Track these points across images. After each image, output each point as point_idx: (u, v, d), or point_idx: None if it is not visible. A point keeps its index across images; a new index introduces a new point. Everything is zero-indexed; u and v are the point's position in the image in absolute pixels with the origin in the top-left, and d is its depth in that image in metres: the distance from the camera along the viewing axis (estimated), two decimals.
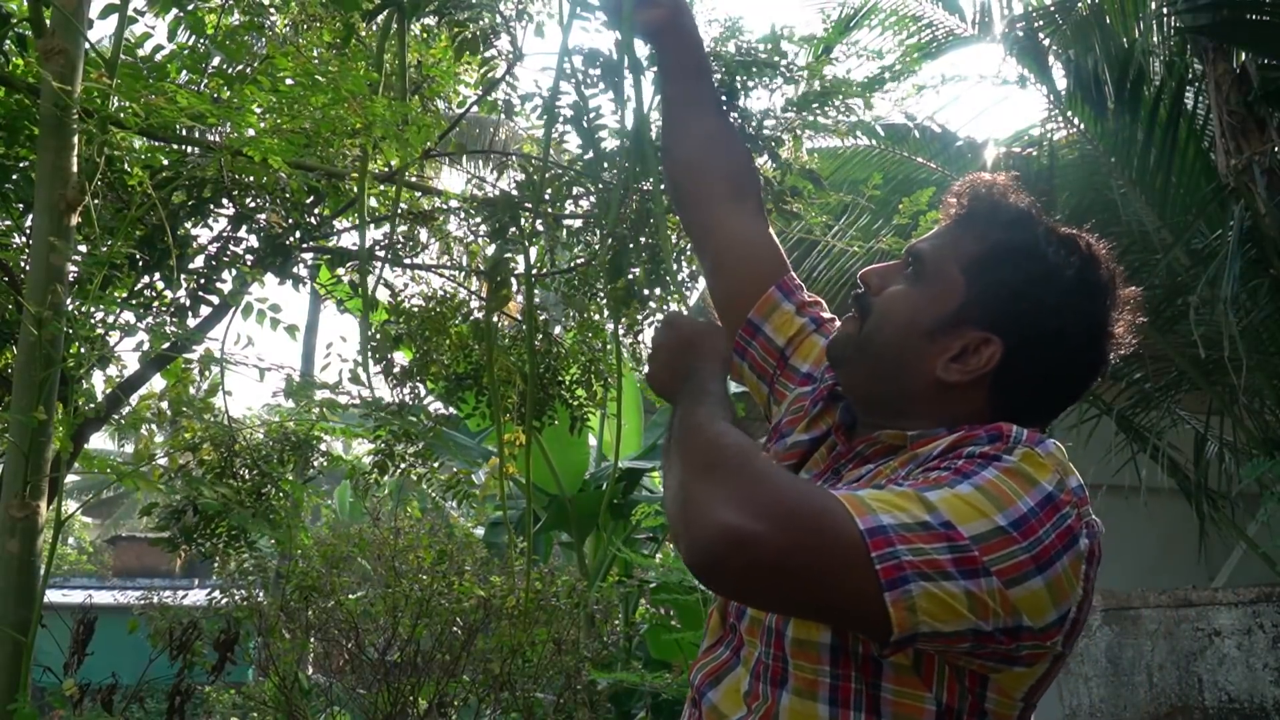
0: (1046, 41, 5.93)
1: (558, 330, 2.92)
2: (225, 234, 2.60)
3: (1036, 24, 5.92)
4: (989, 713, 0.95)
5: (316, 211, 2.81)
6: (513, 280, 2.11)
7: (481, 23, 2.32)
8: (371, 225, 2.94)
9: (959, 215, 1.12)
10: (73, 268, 2.20)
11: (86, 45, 2.18)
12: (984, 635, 0.87)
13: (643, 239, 2.06)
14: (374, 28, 2.28)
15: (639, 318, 2.47)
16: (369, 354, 2.47)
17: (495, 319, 2.63)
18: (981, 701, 0.94)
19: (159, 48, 2.43)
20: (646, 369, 1.24)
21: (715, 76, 1.73)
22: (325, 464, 3.08)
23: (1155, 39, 5.78)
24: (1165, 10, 5.59)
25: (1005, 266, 1.05)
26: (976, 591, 0.85)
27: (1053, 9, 5.87)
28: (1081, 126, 5.66)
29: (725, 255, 1.38)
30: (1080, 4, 5.67)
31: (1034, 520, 0.89)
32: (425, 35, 2.68)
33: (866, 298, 1.13)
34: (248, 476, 2.71)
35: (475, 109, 2.82)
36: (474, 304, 2.83)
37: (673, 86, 1.49)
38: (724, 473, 0.88)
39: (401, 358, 2.83)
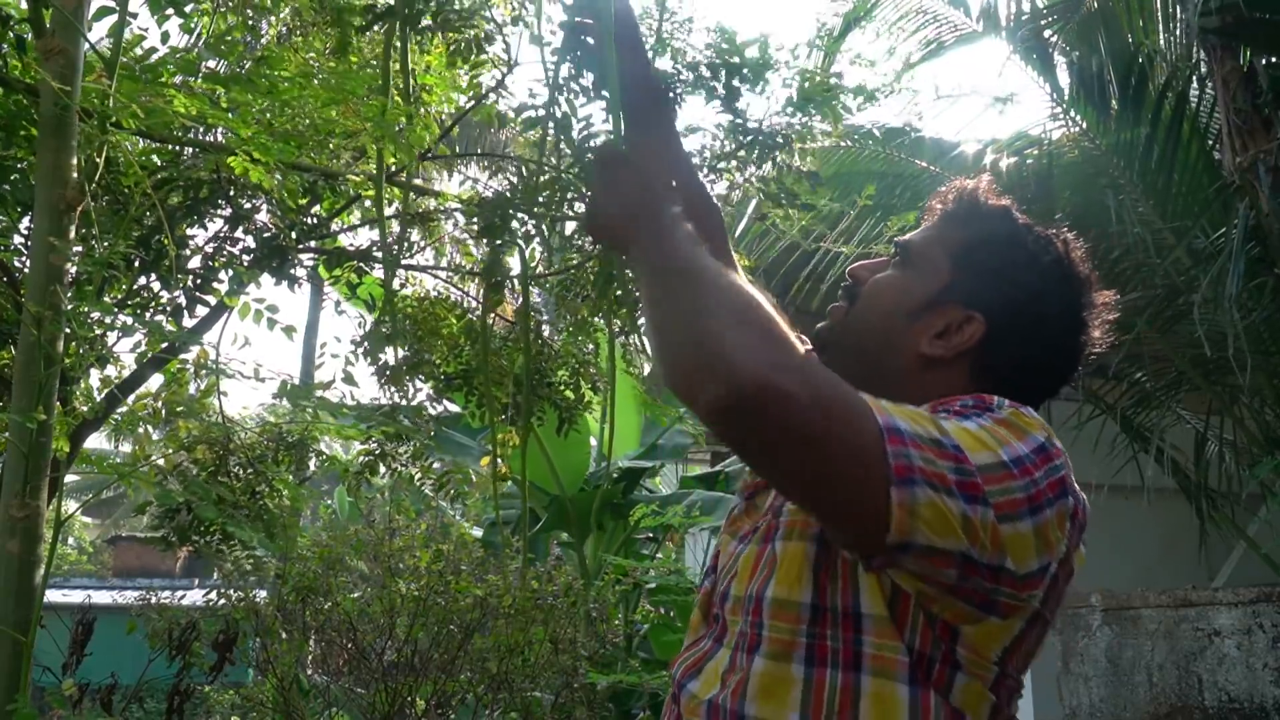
0: (1051, 36, 5.93)
1: (546, 330, 2.92)
2: (222, 234, 2.60)
3: (1042, 21, 5.92)
4: (962, 666, 0.93)
5: (313, 212, 2.81)
6: (507, 282, 2.11)
7: (474, 30, 2.32)
8: (368, 226, 2.94)
9: (943, 212, 1.16)
10: (72, 267, 2.20)
11: (86, 46, 2.18)
12: (971, 565, 0.87)
13: None
14: (369, 37, 2.28)
15: (635, 321, 2.47)
16: (373, 350, 2.47)
17: (490, 320, 2.63)
18: (953, 654, 0.93)
19: (153, 49, 2.43)
20: (590, 211, 1.18)
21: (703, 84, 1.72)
22: (323, 465, 3.08)
23: (1161, 37, 5.78)
24: (1174, 9, 5.59)
25: (988, 251, 1.10)
26: (973, 518, 0.86)
27: (1059, 5, 5.87)
28: (1084, 125, 5.66)
29: None
30: (1087, 1, 5.67)
31: (1029, 464, 0.91)
32: (419, 41, 2.67)
33: (855, 287, 1.16)
34: (242, 476, 2.72)
35: (471, 113, 2.82)
36: (468, 304, 2.83)
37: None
38: (760, 328, 0.88)
39: (393, 357, 2.83)
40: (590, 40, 1.49)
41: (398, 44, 2.11)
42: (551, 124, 1.62)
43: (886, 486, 0.83)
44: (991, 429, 0.92)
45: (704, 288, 0.93)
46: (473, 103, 2.67)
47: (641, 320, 2.60)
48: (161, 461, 2.74)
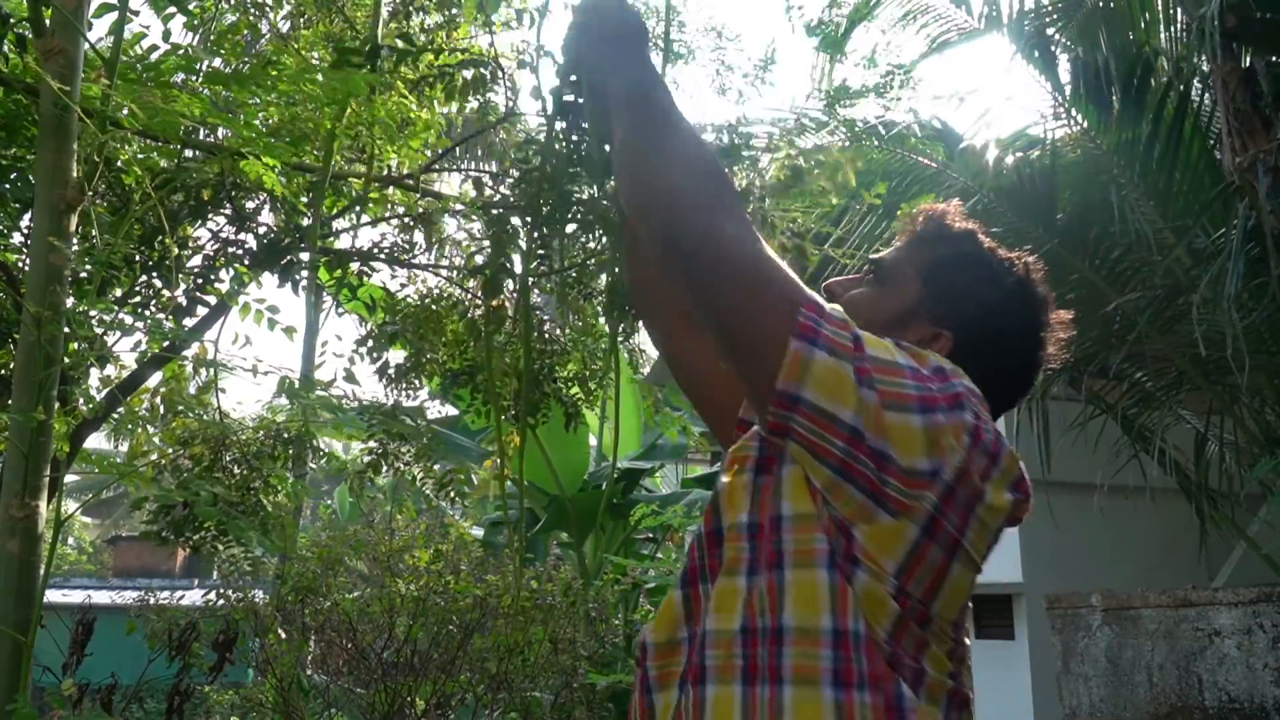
0: (1054, 34, 5.93)
1: (548, 325, 2.91)
2: (223, 235, 2.60)
3: (1045, 19, 5.92)
4: (861, 563, 0.97)
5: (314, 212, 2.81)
6: (507, 283, 2.11)
7: (473, 71, 2.33)
8: (370, 226, 2.94)
9: (913, 234, 1.24)
10: (72, 267, 2.19)
11: (86, 45, 2.18)
12: (859, 441, 0.94)
13: None
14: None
15: (637, 324, 2.46)
16: (375, 349, 2.47)
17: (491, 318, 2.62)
18: (852, 551, 0.97)
19: (154, 47, 2.43)
20: (579, 24, 1.29)
21: None
22: (323, 463, 3.07)
23: (1163, 36, 5.78)
24: (1174, 9, 5.59)
25: (956, 271, 1.18)
26: (864, 398, 0.95)
27: (1061, 3, 5.87)
28: (1085, 124, 5.66)
29: (681, 370, 1.44)
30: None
31: (926, 375, 1.00)
32: (417, 83, 2.66)
33: (831, 301, 1.22)
34: (237, 472, 2.71)
35: (474, 107, 2.82)
36: (470, 303, 2.82)
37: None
38: (722, 190, 1.05)
39: (396, 356, 2.83)
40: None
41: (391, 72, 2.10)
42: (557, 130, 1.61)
43: (787, 338, 0.96)
44: (894, 344, 1.02)
45: (670, 131, 1.10)
46: (474, 133, 2.66)
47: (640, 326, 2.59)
48: (157, 457, 2.73)
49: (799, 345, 0.95)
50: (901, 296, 1.18)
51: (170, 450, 2.77)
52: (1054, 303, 1.22)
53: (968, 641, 1.08)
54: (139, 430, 2.75)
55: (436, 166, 2.78)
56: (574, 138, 1.53)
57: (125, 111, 2.20)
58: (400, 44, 2.09)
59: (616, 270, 1.94)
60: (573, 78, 1.42)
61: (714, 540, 1.08)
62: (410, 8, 2.37)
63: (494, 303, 1.83)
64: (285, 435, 2.76)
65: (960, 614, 1.04)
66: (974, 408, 1.01)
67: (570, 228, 1.67)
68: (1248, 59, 5.01)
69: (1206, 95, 5.57)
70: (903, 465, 0.95)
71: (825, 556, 0.98)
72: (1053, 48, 5.87)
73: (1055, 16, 5.93)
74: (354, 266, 2.77)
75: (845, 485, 0.97)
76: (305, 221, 2.67)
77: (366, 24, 2.59)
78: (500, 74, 2.33)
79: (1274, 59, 5.02)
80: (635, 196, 1.10)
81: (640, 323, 1.63)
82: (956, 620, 1.04)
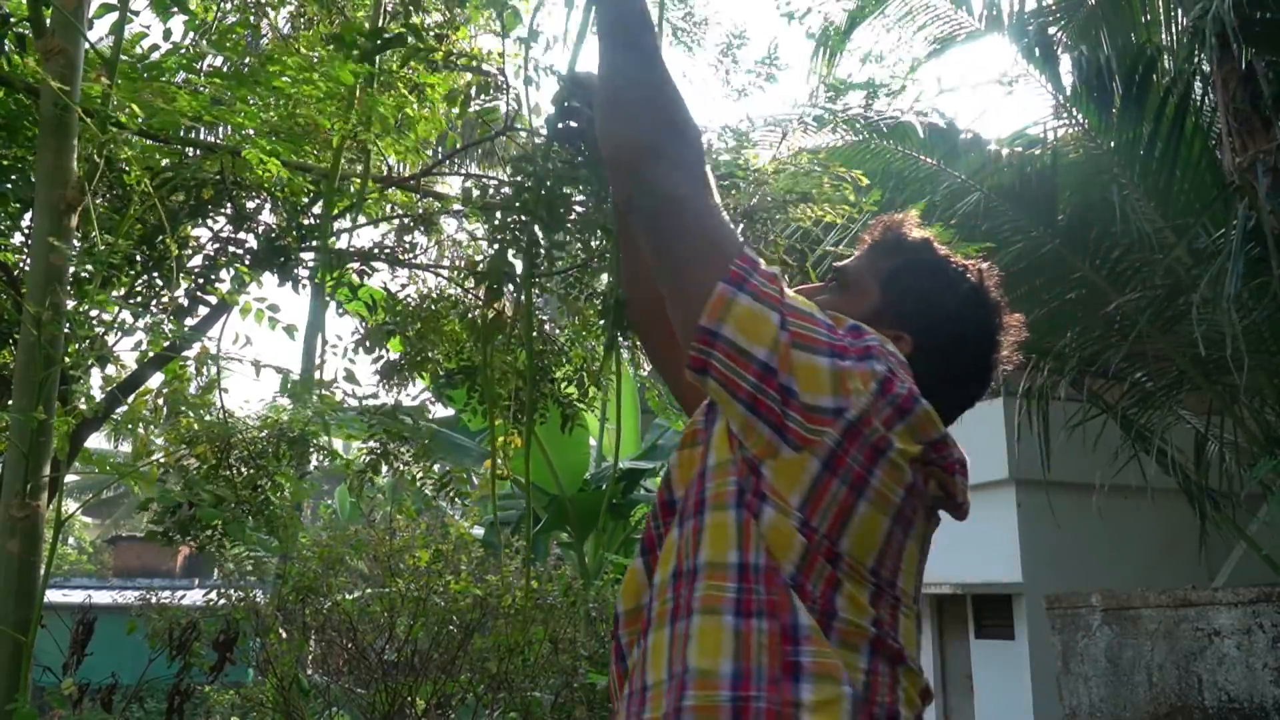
0: (1055, 33, 5.93)
1: (548, 324, 2.91)
2: (224, 234, 2.59)
3: (1046, 18, 5.92)
4: (768, 498, 1.03)
5: (314, 212, 2.81)
6: (509, 285, 2.10)
7: (468, 78, 2.33)
8: (371, 226, 2.93)
9: (873, 243, 1.30)
10: (72, 267, 2.20)
11: (86, 45, 2.18)
12: (769, 376, 1.02)
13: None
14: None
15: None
16: (373, 347, 2.47)
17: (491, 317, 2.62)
18: (760, 487, 1.04)
19: (155, 47, 2.43)
20: None
21: None
22: (324, 462, 3.07)
23: (1164, 36, 5.78)
24: (1175, 9, 5.59)
25: (914, 277, 1.25)
26: (779, 337, 1.03)
27: (1063, 2, 5.87)
28: (1085, 124, 5.66)
29: (676, 386, 1.48)
30: None
31: (841, 330, 1.08)
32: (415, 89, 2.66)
33: None
34: (244, 472, 2.71)
35: (475, 111, 2.82)
36: (470, 302, 2.82)
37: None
38: (681, 147, 1.14)
39: (395, 355, 2.83)
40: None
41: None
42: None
43: (715, 282, 1.05)
44: (820, 310, 1.09)
45: (645, 76, 1.19)
46: (476, 140, 2.66)
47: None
48: (162, 458, 2.73)
49: (725, 288, 1.05)
50: (862, 303, 1.23)
51: (175, 450, 2.77)
52: (1007, 307, 1.27)
53: (916, 608, 1.10)
54: (143, 431, 2.75)
55: (437, 171, 2.78)
56: (578, 144, 1.54)
57: (125, 111, 2.20)
58: (409, 38, 2.08)
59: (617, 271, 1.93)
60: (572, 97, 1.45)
61: (667, 510, 1.16)
62: (411, 7, 2.37)
63: (495, 306, 1.83)
64: (290, 435, 2.76)
65: (890, 567, 1.06)
66: (890, 365, 1.06)
67: (566, 232, 1.67)
68: (1247, 59, 5.01)
69: (1207, 95, 5.57)
70: (805, 401, 1.02)
71: (734, 497, 1.06)
72: (1055, 47, 5.87)
73: (1056, 16, 5.93)
74: (353, 266, 2.77)
75: (754, 420, 1.04)
76: (306, 220, 2.67)
77: (366, 23, 2.59)
78: (504, 82, 2.33)
79: (1274, 59, 5.01)
80: (606, 144, 1.20)
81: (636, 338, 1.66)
82: (886, 574, 1.06)
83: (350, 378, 2.44)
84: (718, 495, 1.08)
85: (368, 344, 2.52)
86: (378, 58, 2.17)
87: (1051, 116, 5.93)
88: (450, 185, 3.18)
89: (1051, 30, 5.92)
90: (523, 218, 1.63)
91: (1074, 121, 5.76)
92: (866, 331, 1.10)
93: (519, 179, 1.59)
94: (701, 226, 1.11)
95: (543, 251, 1.68)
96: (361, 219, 2.74)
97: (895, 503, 1.05)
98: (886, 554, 1.05)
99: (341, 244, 2.91)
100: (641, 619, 1.12)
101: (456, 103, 2.42)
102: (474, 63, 2.34)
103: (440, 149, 3.23)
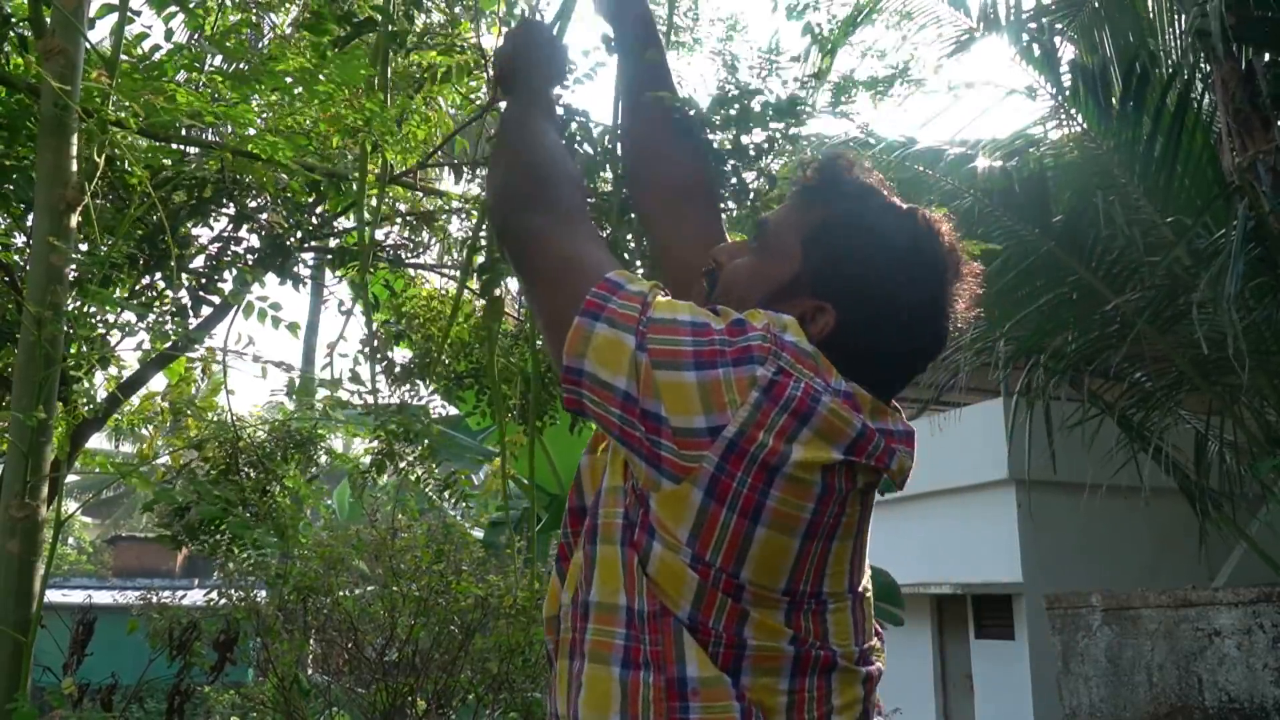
0: (1055, 32, 5.93)
1: None
2: (226, 234, 2.59)
3: (1045, 18, 5.93)
4: (656, 535, 0.94)
5: (318, 211, 2.81)
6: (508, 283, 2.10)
7: (460, 56, 2.32)
8: (373, 226, 2.93)
9: (803, 188, 1.12)
10: (73, 268, 2.19)
11: (86, 45, 2.18)
12: (630, 405, 0.92)
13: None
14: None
15: None
16: (370, 353, 2.47)
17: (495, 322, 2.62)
18: (649, 522, 0.95)
19: (156, 47, 2.43)
20: (498, 51, 1.44)
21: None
22: (328, 463, 3.07)
23: (1165, 36, 5.78)
24: (1175, 9, 5.59)
25: (839, 236, 1.07)
26: (638, 360, 0.93)
27: (1062, 2, 5.87)
28: (1085, 124, 5.66)
29: (663, 254, 1.39)
30: None
31: (713, 330, 0.95)
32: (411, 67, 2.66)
33: (715, 272, 1.15)
34: (252, 475, 2.71)
35: (477, 107, 2.82)
36: (476, 304, 2.82)
37: (635, 67, 1.49)
38: (539, 189, 1.12)
39: (402, 356, 2.83)
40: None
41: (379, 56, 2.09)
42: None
43: (573, 316, 0.97)
44: (696, 307, 0.98)
45: (515, 135, 1.21)
46: (472, 115, 2.66)
47: None
48: (168, 460, 2.73)
49: (581, 320, 0.96)
50: (782, 266, 1.08)
51: (183, 453, 2.77)
52: (961, 259, 1.09)
53: (859, 608, 1.01)
54: (148, 433, 2.75)
55: (433, 160, 2.78)
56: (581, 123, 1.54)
57: (126, 110, 2.20)
58: (379, 19, 2.07)
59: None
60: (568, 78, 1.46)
61: (575, 517, 1.09)
62: (413, 7, 2.37)
63: (494, 293, 1.83)
64: (295, 437, 2.77)
65: (809, 581, 0.95)
66: (784, 363, 0.92)
67: None
68: (1247, 59, 5.01)
69: (1207, 95, 5.57)
70: (675, 425, 0.90)
71: (620, 531, 0.98)
72: (1054, 47, 5.87)
73: (1056, 16, 5.93)
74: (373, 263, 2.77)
75: (629, 454, 0.95)
76: (308, 220, 2.67)
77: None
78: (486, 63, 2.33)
79: (1274, 59, 5.01)
80: (485, 190, 1.27)
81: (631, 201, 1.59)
82: (805, 588, 0.95)
83: (355, 378, 2.44)
84: (607, 526, 1.00)
85: (378, 351, 2.52)
86: (390, 52, 2.16)
87: (1049, 115, 5.93)
88: (449, 183, 3.19)
89: (1050, 29, 5.92)
90: None
91: (1072, 121, 5.76)
92: (750, 326, 0.95)
93: None
94: (562, 262, 1.04)
95: None
96: (367, 216, 2.75)
97: (803, 519, 0.92)
98: (801, 571, 0.94)
99: (341, 242, 2.91)
100: (557, 627, 1.08)
101: (453, 79, 2.40)
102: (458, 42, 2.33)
103: (442, 149, 3.23)
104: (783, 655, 0.94)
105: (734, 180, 1.59)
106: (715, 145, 1.56)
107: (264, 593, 4.61)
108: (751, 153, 1.56)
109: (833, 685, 0.96)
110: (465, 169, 2.82)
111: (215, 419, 2.78)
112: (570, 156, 1.24)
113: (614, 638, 0.96)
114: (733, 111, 1.52)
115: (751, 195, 1.60)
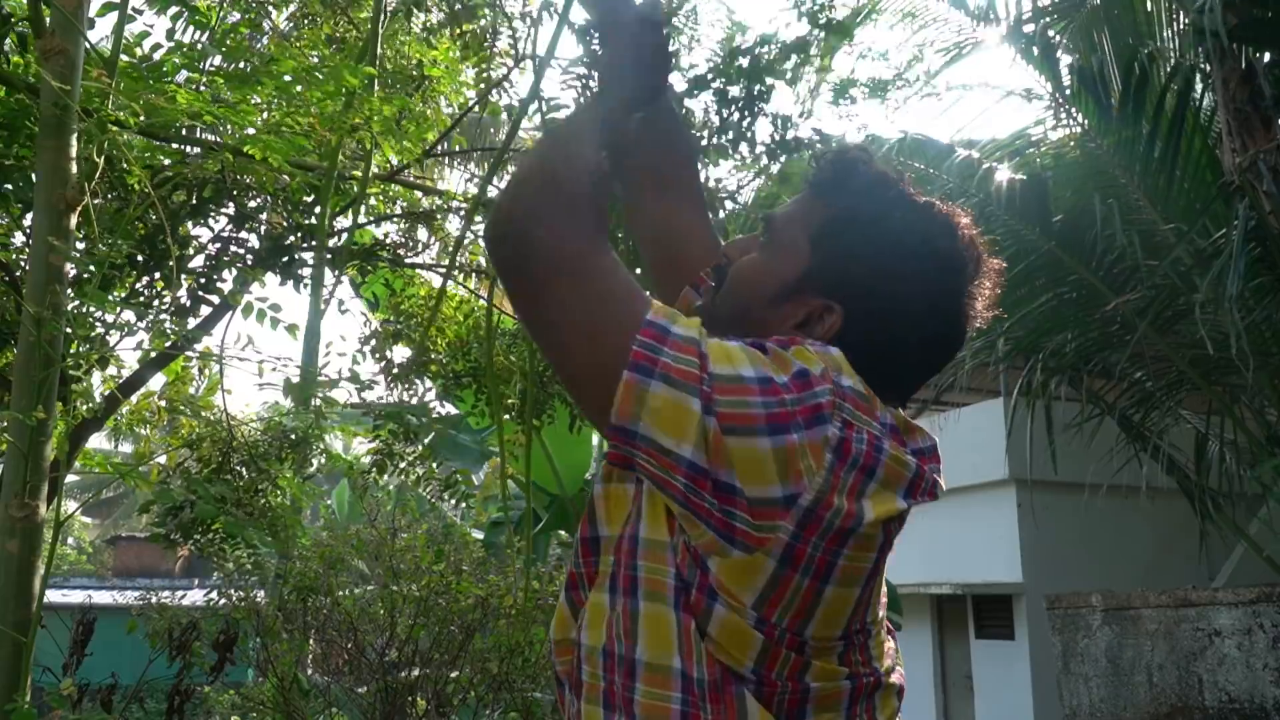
0: (1053, 34, 5.93)
1: None
2: (226, 234, 2.59)
3: (1045, 19, 5.92)
4: (718, 597, 0.89)
5: (317, 211, 2.81)
6: None
7: (483, 22, 2.32)
8: (373, 225, 2.94)
9: (814, 182, 1.08)
10: (72, 267, 2.19)
11: (86, 45, 2.17)
12: (699, 476, 0.85)
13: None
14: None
15: None
16: (369, 352, 2.47)
17: (497, 320, 2.62)
18: (708, 583, 0.89)
19: (157, 46, 2.43)
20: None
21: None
22: (325, 463, 3.07)
23: (1165, 35, 5.78)
24: (1175, 9, 5.59)
25: (848, 233, 1.02)
26: (705, 424, 0.84)
27: (1062, 2, 5.87)
28: (1085, 124, 5.66)
29: (645, 244, 1.35)
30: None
31: (781, 384, 0.87)
32: (428, 34, 2.68)
33: (723, 268, 1.11)
34: (245, 474, 2.71)
35: (476, 108, 2.82)
36: (475, 302, 2.82)
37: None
38: (572, 203, 0.94)
39: (401, 355, 2.83)
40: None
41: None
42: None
43: (620, 369, 0.85)
44: (751, 352, 0.89)
45: (556, 151, 1.01)
46: (478, 99, 2.67)
47: None
48: (164, 459, 2.73)
49: (633, 377, 0.85)
50: (789, 264, 1.03)
51: (178, 452, 2.77)
52: (981, 255, 1.05)
53: (884, 623, 1.01)
54: (146, 432, 2.75)
55: (435, 152, 2.77)
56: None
57: (125, 110, 2.20)
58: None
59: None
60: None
61: (588, 548, 1.01)
62: (412, 7, 2.37)
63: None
64: (291, 437, 2.77)
65: (859, 618, 0.95)
66: (846, 415, 0.88)
67: None
68: (1247, 58, 5.01)
69: (1207, 95, 5.57)
70: (750, 496, 0.85)
71: (672, 593, 0.91)
72: (1053, 47, 5.87)
73: (1056, 16, 5.93)
74: (359, 263, 2.77)
75: (693, 519, 0.88)
76: (307, 220, 2.67)
77: (368, 24, 2.59)
78: (509, 24, 2.32)
79: (1274, 58, 5.01)
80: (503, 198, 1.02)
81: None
82: (856, 626, 0.95)
83: (354, 378, 2.44)
84: (654, 584, 0.93)
85: (376, 351, 2.52)
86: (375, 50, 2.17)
87: (1049, 116, 5.94)
88: (450, 181, 3.19)
89: (1050, 31, 5.92)
90: None
91: (1072, 121, 5.76)
92: (816, 378, 0.89)
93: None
94: (596, 294, 0.90)
95: None
96: (364, 216, 2.75)
97: (865, 570, 0.92)
98: (857, 615, 0.94)
99: (341, 241, 2.91)
100: (571, 652, 1.01)
101: (470, 55, 2.40)
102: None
103: (444, 144, 3.23)
104: (841, 691, 0.94)
105: (747, 131, 1.56)
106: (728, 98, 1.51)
107: (264, 593, 4.61)
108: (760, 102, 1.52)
109: (876, 704, 0.97)
110: (459, 161, 2.81)
111: (210, 418, 2.78)
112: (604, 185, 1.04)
113: (670, 701, 0.91)
114: (743, 63, 1.48)
115: (766, 146, 1.57)
